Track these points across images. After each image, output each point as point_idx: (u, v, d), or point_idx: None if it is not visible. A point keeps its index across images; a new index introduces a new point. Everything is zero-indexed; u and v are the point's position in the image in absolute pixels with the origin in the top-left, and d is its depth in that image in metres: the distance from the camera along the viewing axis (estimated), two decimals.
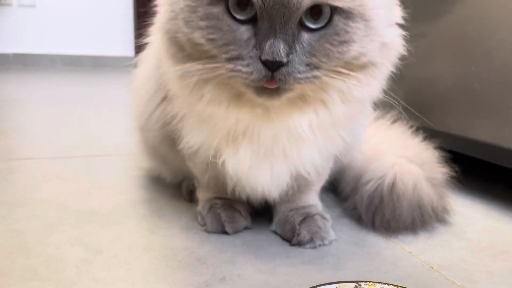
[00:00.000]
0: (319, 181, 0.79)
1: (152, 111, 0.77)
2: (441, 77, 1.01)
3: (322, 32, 0.50)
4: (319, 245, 0.70)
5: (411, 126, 0.92)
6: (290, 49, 0.49)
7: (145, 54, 0.81)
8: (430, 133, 0.94)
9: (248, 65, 0.50)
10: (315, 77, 0.51)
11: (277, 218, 0.76)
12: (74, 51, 3.81)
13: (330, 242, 0.72)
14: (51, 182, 0.95)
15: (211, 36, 0.51)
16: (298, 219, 0.73)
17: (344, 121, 0.61)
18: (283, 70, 0.49)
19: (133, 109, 0.88)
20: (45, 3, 3.69)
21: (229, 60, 0.51)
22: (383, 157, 0.83)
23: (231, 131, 0.61)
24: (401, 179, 0.76)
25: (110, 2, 3.83)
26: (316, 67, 0.51)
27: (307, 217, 0.73)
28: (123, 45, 3.90)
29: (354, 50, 0.51)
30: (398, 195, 0.75)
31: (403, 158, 0.82)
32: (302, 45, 0.50)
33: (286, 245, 0.71)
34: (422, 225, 0.76)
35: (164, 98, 0.74)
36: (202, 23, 0.51)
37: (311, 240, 0.70)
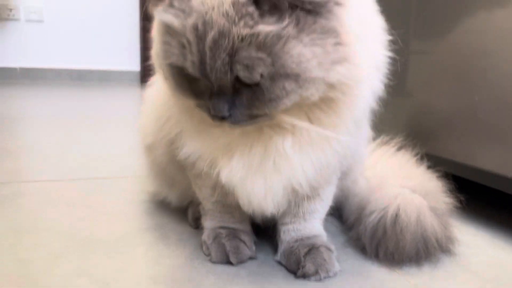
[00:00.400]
0: (323, 207, 0.79)
1: (159, 130, 0.78)
2: (444, 103, 1.02)
3: (255, 88, 0.53)
4: (324, 277, 0.71)
5: (416, 154, 0.92)
6: (230, 105, 0.55)
7: (155, 77, 0.82)
8: (435, 160, 0.94)
9: (206, 108, 0.57)
10: (262, 119, 0.58)
11: (282, 249, 0.76)
12: (80, 65, 3.84)
13: (335, 274, 0.72)
14: (58, 207, 0.96)
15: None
16: (303, 251, 0.73)
17: (331, 135, 0.61)
18: (229, 120, 0.56)
19: (141, 130, 0.89)
20: (53, 18, 3.73)
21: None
22: (386, 187, 0.83)
23: (224, 143, 0.64)
24: (404, 210, 0.77)
25: (117, 17, 3.87)
26: (259, 115, 0.57)
27: (312, 249, 0.73)
28: (129, 60, 3.93)
29: (284, 103, 0.54)
30: (401, 227, 0.75)
31: (407, 188, 0.82)
32: (241, 100, 0.55)
33: (291, 277, 0.72)
34: (426, 257, 0.76)
35: (170, 117, 0.75)
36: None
37: (316, 272, 0.70)
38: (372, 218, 0.78)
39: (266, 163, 0.63)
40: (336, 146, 0.63)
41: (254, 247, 0.78)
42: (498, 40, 0.87)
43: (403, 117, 1.13)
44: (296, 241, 0.75)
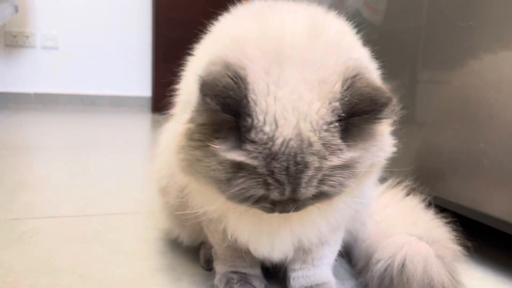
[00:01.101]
0: (332, 252, 0.81)
1: (171, 176, 0.81)
2: (449, 145, 1.04)
3: None
4: None
5: (424, 199, 0.94)
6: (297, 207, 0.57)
7: (169, 124, 0.85)
8: (442, 203, 0.96)
9: (266, 208, 0.58)
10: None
11: None
12: (93, 91, 3.92)
13: None
14: (74, 245, 0.98)
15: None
16: None
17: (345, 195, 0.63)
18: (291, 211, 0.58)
19: (155, 172, 0.92)
20: (67, 45, 3.82)
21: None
22: (394, 234, 0.85)
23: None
24: (410, 260, 0.78)
25: (129, 44, 3.96)
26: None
27: None
28: (141, 86, 4.00)
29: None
30: (408, 277, 0.77)
31: (414, 235, 0.84)
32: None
33: None
34: None
35: None
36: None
37: None
38: (379, 267, 0.80)
39: (275, 221, 0.65)
40: (352, 204, 0.66)
41: None
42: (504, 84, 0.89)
43: (412, 159, 1.15)
44: (308, 287, 0.77)
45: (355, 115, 0.54)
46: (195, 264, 0.92)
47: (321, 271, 0.80)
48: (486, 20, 0.94)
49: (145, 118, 3.47)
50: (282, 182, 0.53)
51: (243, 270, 0.80)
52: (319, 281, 0.78)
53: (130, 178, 1.66)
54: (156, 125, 2.76)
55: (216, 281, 0.81)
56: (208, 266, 0.89)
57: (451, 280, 0.80)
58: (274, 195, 0.54)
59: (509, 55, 0.89)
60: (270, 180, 0.53)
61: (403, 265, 0.78)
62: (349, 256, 0.95)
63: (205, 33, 0.73)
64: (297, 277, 0.78)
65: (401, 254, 0.79)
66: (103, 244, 1.00)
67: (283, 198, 0.55)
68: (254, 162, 0.52)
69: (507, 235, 0.97)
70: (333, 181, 0.54)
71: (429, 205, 0.93)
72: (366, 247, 0.87)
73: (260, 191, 0.54)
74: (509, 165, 0.88)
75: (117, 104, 3.96)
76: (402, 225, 0.88)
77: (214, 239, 0.81)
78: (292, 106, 0.53)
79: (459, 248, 0.84)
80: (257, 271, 0.82)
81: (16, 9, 3.32)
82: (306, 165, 0.52)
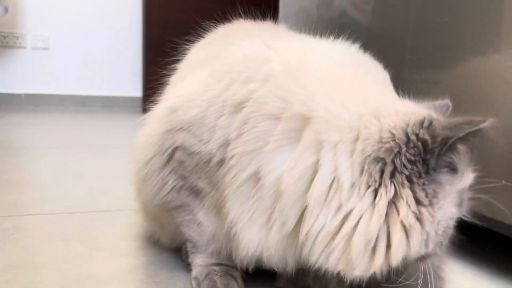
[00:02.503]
0: None
1: (148, 176, 0.81)
2: None
3: None
4: None
5: None
6: None
7: (151, 116, 0.85)
8: None
9: None
10: None
11: (285, 276, 0.80)
12: (84, 91, 3.92)
13: None
14: (55, 242, 0.99)
15: None
16: (310, 277, 0.77)
17: None
18: None
19: (131, 166, 0.92)
20: (58, 46, 3.83)
21: None
22: None
23: None
24: None
25: (120, 44, 3.96)
26: None
27: (318, 274, 0.77)
28: (132, 86, 4.01)
29: None
30: None
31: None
32: None
33: None
34: None
35: (165, 165, 0.78)
36: None
37: None
38: None
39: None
40: None
41: (243, 284, 0.80)
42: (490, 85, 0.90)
43: None
44: (302, 268, 0.78)
45: None
46: (176, 260, 0.93)
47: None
48: (461, 17, 0.95)
49: (135, 118, 3.46)
50: None
51: (225, 262, 0.81)
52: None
53: (117, 177, 1.66)
54: None
55: (196, 273, 0.81)
56: (188, 260, 0.90)
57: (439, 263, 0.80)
58: None
59: (493, 54, 0.90)
60: None
61: None
62: None
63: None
64: None
65: None
66: (84, 241, 1.00)
67: None
68: None
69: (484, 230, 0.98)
70: None
71: None
72: None
73: None
74: (484, 159, 0.89)
75: (108, 104, 3.96)
76: None
77: (194, 233, 0.81)
78: None
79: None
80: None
81: (6, 10, 3.32)
82: None
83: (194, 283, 0.81)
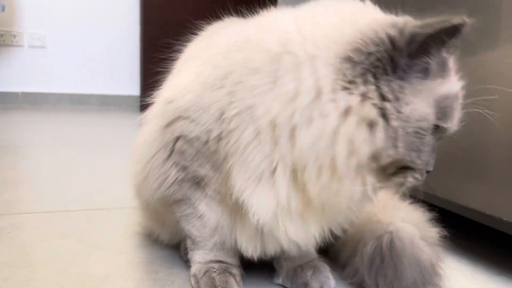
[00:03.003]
0: None
1: (151, 171, 0.81)
2: None
3: None
4: None
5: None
6: None
7: (150, 115, 0.85)
8: (418, 194, 0.96)
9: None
10: None
11: (284, 272, 0.81)
12: (81, 90, 3.91)
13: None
14: (52, 241, 0.98)
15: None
16: (309, 273, 0.79)
17: None
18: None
19: (131, 167, 0.91)
20: (55, 44, 3.81)
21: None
22: (378, 219, 0.86)
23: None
24: (397, 237, 0.79)
25: (118, 43, 3.95)
26: None
27: (316, 270, 0.80)
28: (130, 85, 4.00)
29: None
30: (398, 253, 0.78)
31: (397, 217, 0.85)
32: None
33: None
34: (423, 285, 0.78)
35: (167, 159, 0.78)
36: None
37: None
38: (368, 248, 0.81)
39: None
40: None
41: (241, 282, 0.80)
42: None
43: None
44: (300, 265, 0.80)
45: None
46: (174, 257, 0.93)
47: (311, 248, 0.80)
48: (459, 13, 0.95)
49: (133, 117, 3.46)
50: None
51: (224, 259, 0.81)
52: (310, 257, 0.82)
53: (115, 175, 1.66)
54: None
55: (195, 270, 0.80)
56: (187, 258, 0.89)
57: (436, 258, 0.81)
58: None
59: (492, 50, 0.90)
60: None
61: (391, 242, 0.79)
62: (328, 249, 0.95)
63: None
64: (285, 259, 0.81)
65: (388, 233, 0.81)
66: (82, 239, 1.00)
67: None
68: None
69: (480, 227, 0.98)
70: None
71: (404, 196, 0.93)
72: (350, 235, 0.87)
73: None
74: (481, 156, 0.89)
75: (105, 103, 3.95)
76: (383, 211, 0.88)
77: (193, 229, 0.81)
78: None
79: (439, 234, 0.85)
80: (237, 260, 0.82)
81: (2, 8, 3.30)
82: None
83: (193, 280, 0.80)
